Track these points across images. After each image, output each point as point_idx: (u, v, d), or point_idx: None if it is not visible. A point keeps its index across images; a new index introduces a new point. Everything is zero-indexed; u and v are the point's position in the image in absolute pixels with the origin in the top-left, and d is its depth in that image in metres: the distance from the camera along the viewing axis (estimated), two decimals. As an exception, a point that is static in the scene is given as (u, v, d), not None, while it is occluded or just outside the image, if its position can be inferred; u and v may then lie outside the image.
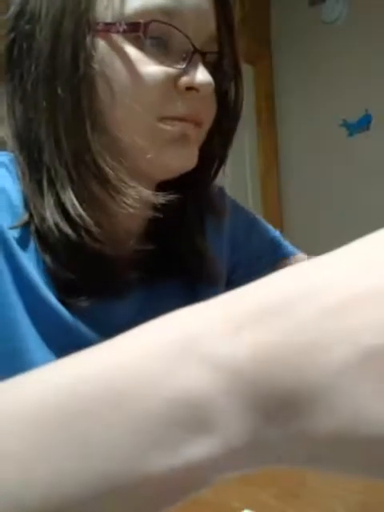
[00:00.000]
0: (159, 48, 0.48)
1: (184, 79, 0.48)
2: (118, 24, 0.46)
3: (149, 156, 0.49)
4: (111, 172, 0.47)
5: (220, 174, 0.59)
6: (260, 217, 0.74)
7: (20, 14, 0.49)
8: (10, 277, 0.47)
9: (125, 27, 0.46)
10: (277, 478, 0.51)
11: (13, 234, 0.48)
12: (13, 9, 0.50)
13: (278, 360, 0.17)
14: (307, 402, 0.17)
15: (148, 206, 0.51)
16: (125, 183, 0.48)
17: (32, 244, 0.49)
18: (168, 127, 0.49)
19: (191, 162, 0.51)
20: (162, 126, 0.48)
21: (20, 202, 0.49)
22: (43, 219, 0.47)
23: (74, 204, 0.47)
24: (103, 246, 0.48)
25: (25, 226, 0.48)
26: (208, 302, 0.19)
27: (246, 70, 2.82)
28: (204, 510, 0.47)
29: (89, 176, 0.47)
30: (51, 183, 0.48)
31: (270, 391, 0.17)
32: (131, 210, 0.48)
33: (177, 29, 0.47)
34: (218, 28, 0.51)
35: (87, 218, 0.47)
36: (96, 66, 0.46)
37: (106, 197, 0.48)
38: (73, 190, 0.47)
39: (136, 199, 0.48)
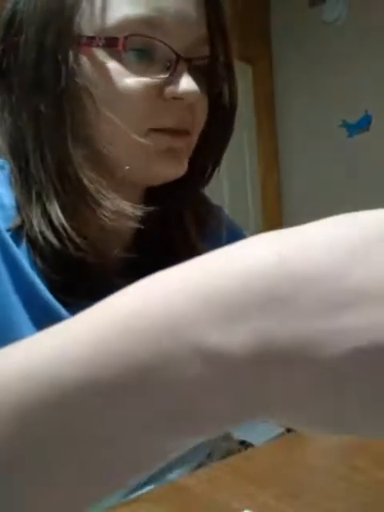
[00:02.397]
0: (142, 59, 0.47)
1: (168, 89, 0.47)
2: (97, 38, 0.45)
3: (135, 168, 0.49)
4: (90, 185, 0.47)
5: (215, 173, 0.59)
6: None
7: (9, 25, 0.49)
8: (7, 276, 0.47)
9: (104, 41, 0.45)
10: (277, 478, 0.51)
11: (8, 234, 0.48)
12: (3, 19, 0.50)
13: (272, 351, 0.17)
14: (297, 394, 0.18)
15: (131, 217, 0.51)
16: (103, 195, 0.48)
17: (24, 244, 0.49)
18: (153, 142, 0.48)
19: (179, 172, 0.51)
20: (147, 140, 0.48)
21: (12, 205, 0.50)
22: (31, 225, 0.48)
23: (58, 215, 0.47)
24: (86, 255, 0.49)
25: (18, 228, 0.49)
26: (201, 284, 0.18)
27: (246, 70, 2.81)
28: (204, 509, 0.47)
29: (70, 188, 0.48)
30: (38, 193, 0.48)
31: (262, 381, 0.18)
32: (110, 223, 0.48)
33: (157, 39, 0.46)
34: (210, 30, 0.50)
35: (69, 229, 0.47)
36: (79, 80, 0.46)
37: (86, 209, 0.48)
38: (57, 201, 0.47)
39: (114, 212, 0.48)
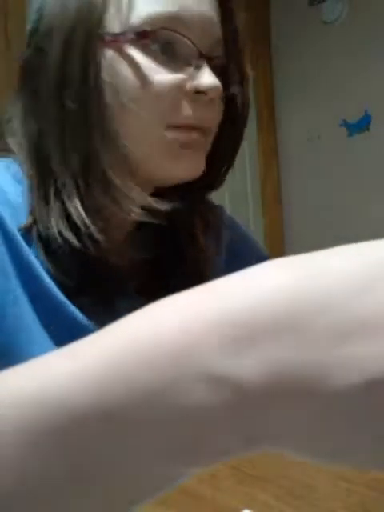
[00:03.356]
0: (166, 55, 0.49)
1: (192, 83, 0.49)
2: (127, 33, 0.47)
3: (155, 164, 0.50)
4: (117, 179, 0.48)
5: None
6: (253, 236, 0.75)
7: (35, 31, 0.51)
8: (15, 273, 0.47)
9: (133, 36, 0.47)
10: (277, 478, 0.51)
11: (18, 233, 0.48)
12: (29, 26, 0.52)
13: (282, 379, 0.17)
14: (308, 426, 0.17)
15: (158, 212, 0.51)
16: (130, 189, 0.49)
17: (34, 245, 0.49)
18: (175, 136, 0.49)
19: (197, 171, 0.52)
20: (169, 134, 0.49)
21: (19, 203, 0.50)
22: (47, 227, 0.48)
23: (79, 213, 0.48)
24: (106, 254, 0.49)
25: (28, 229, 0.49)
26: (208, 307, 0.18)
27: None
28: (204, 509, 0.47)
29: (96, 185, 0.48)
30: (58, 193, 0.49)
31: (271, 411, 0.17)
32: (137, 217, 0.49)
33: (183, 35, 0.48)
34: (224, 33, 0.52)
35: (92, 226, 0.48)
36: (105, 75, 0.47)
37: (112, 204, 0.49)
38: (79, 198, 0.48)
39: (141, 206, 0.49)
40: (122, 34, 0.47)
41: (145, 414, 0.17)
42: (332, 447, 0.18)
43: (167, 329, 0.18)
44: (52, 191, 0.49)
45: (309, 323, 0.17)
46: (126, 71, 0.48)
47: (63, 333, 0.49)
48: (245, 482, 0.51)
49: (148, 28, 0.47)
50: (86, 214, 0.48)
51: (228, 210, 0.72)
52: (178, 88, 0.49)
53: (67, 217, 0.48)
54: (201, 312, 0.18)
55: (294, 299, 0.17)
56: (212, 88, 0.49)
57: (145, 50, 0.48)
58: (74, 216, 0.47)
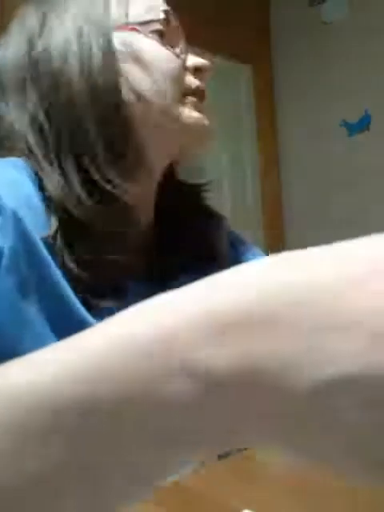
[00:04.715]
0: (162, 40, 0.56)
1: (193, 61, 0.57)
2: (131, 23, 0.54)
3: (176, 123, 0.55)
4: (138, 138, 0.53)
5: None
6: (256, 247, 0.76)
7: (39, 34, 0.54)
8: (34, 282, 0.47)
9: (137, 24, 0.54)
10: (277, 478, 0.51)
11: (38, 238, 0.48)
12: (26, 33, 0.55)
13: (253, 371, 0.17)
14: (280, 413, 0.17)
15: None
16: (148, 153, 0.54)
17: (55, 251, 0.49)
18: (186, 100, 0.56)
19: (209, 131, 0.57)
20: (183, 99, 0.56)
21: (39, 206, 0.50)
22: (67, 200, 0.49)
23: (103, 174, 0.51)
24: (131, 216, 0.53)
25: (47, 239, 0.49)
26: (192, 301, 0.19)
27: (246, 70, 2.81)
28: (204, 509, 0.47)
29: (119, 142, 0.52)
30: (80, 162, 0.51)
31: (246, 404, 0.17)
32: (156, 177, 0.56)
33: (176, 25, 0.57)
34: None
35: (119, 181, 0.51)
36: (122, 57, 0.54)
37: (134, 164, 0.54)
38: (105, 161, 0.51)
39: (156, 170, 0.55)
40: (129, 23, 0.54)
41: (129, 407, 0.18)
42: (307, 447, 0.18)
43: (151, 325, 0.19)
44: (73, 160, 0.51)
45: (281, 318, 0.17)
46: (137, 52, 0.54)
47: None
48: (245, 482, 0.51)
49: (150, 17, 0.55)
50: (111, 173, 0.51)
51: (228, 209, 0.72)
52: (182, 65, 0.56)
53: (91, 184, 0.50)
54: (180, 309, 0.19)
55: (269, 296, 0.18)
56: (208, 66, 0.58)
57: (149, 35, 0.55)
58: (100, 179, 0.51)
